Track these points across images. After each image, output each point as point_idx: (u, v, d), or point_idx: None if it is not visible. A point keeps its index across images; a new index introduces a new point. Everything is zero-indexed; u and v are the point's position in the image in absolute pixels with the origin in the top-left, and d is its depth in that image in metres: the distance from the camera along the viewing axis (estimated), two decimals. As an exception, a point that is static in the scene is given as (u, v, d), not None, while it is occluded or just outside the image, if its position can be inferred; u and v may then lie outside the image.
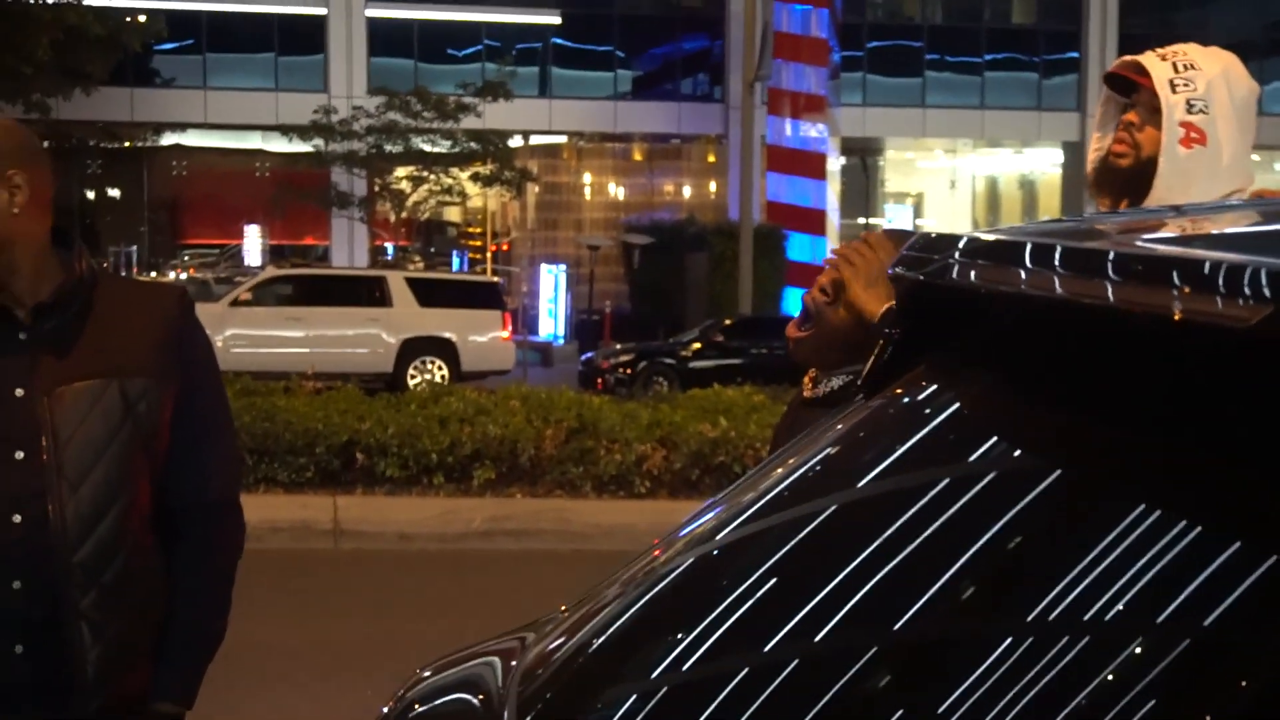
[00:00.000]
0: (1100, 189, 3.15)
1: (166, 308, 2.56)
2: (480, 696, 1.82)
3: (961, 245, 1.56)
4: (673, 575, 1.66)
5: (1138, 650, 1.07)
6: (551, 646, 1.75)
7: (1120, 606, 1.10)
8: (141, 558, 2.51)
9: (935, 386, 1.62)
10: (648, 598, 1.66)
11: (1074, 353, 1.38)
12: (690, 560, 1.68)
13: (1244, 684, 1.00)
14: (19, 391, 2.43)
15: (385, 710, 1.97)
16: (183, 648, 2.58)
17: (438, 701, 1.92)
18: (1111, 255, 1.25)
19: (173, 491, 2.57)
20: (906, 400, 1.65)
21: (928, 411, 1.60)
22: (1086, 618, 1.12)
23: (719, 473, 10.41)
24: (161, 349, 2.51)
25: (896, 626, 1.27)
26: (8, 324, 2.45)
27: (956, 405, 1.56)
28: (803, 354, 2.88)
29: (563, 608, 1.94)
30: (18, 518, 2.40)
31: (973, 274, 1.51)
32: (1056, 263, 1.34)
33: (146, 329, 2.51)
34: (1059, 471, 1.30)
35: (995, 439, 1.44)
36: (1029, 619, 1.17)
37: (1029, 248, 1.41)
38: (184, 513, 2.60)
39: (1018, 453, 1.41)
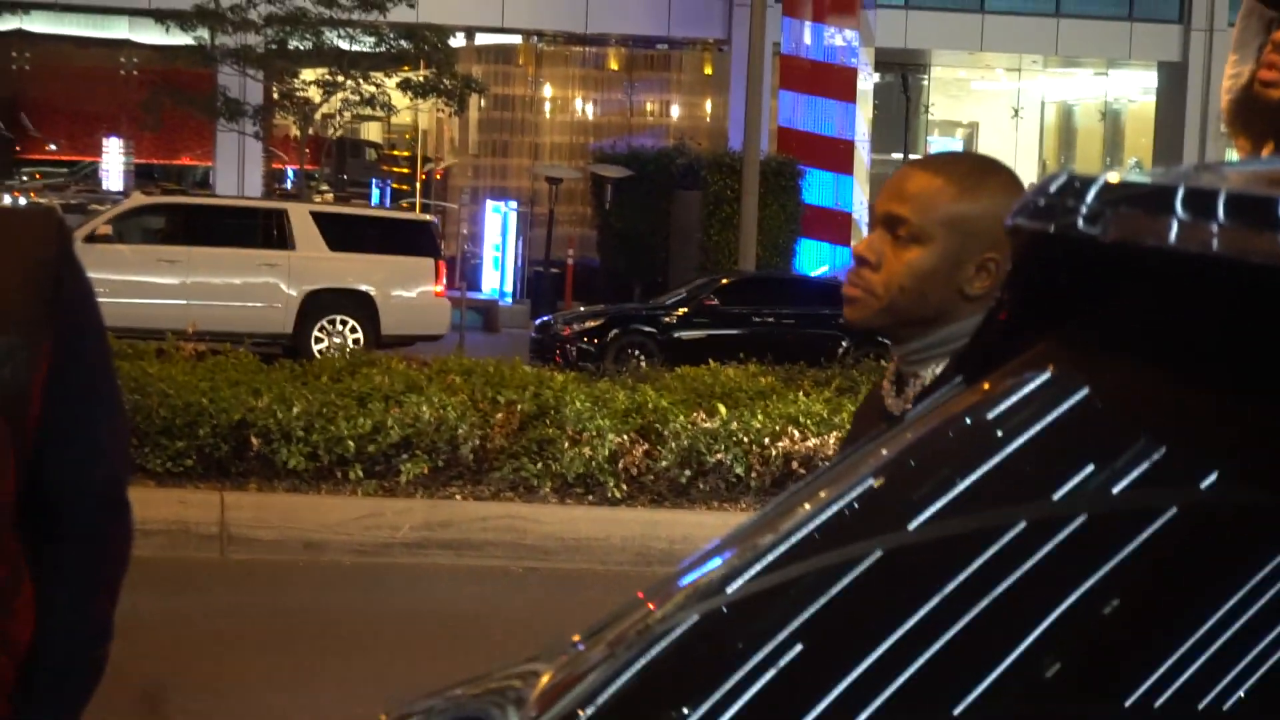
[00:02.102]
0: (1240, 126, 3.14)
1: (37, 239, 2.52)
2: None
3: (1098, 188, 1.56)
4: (670, 638, 1.64)
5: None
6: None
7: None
8: (2, 567, 2.49)
9: (1060, 370, 1.62)
10: (638, 667, 1.64)
11: (1256, 329, 1.38)
12: (694, 619, 1.66)
13: None
14: None
15: None
16: (54, 682, 2.56)
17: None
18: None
19: (45, 483, 2.54)
20: (1020, 388, 1.64)
21: (1049, 403, 1.59)
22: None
23: (715, 475, 10.42)
24: (32, 299, 2.47)
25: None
26: None
27: (1087, 394, 1.56)
28: (867, 318, 2.86)
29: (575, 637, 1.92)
30: None
31: (1119, 225, 1.50)
32: (1222, 212, 1.35)
33: (14, 271, 2.47)
34: (1232, 487, 1.29)
35: (1143, 441, 1.43)
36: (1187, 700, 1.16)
37: (1185, 193, 1.42)
38: (59, 510, 2.57)
39: (1174, 461, 1.41)
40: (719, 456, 10.46)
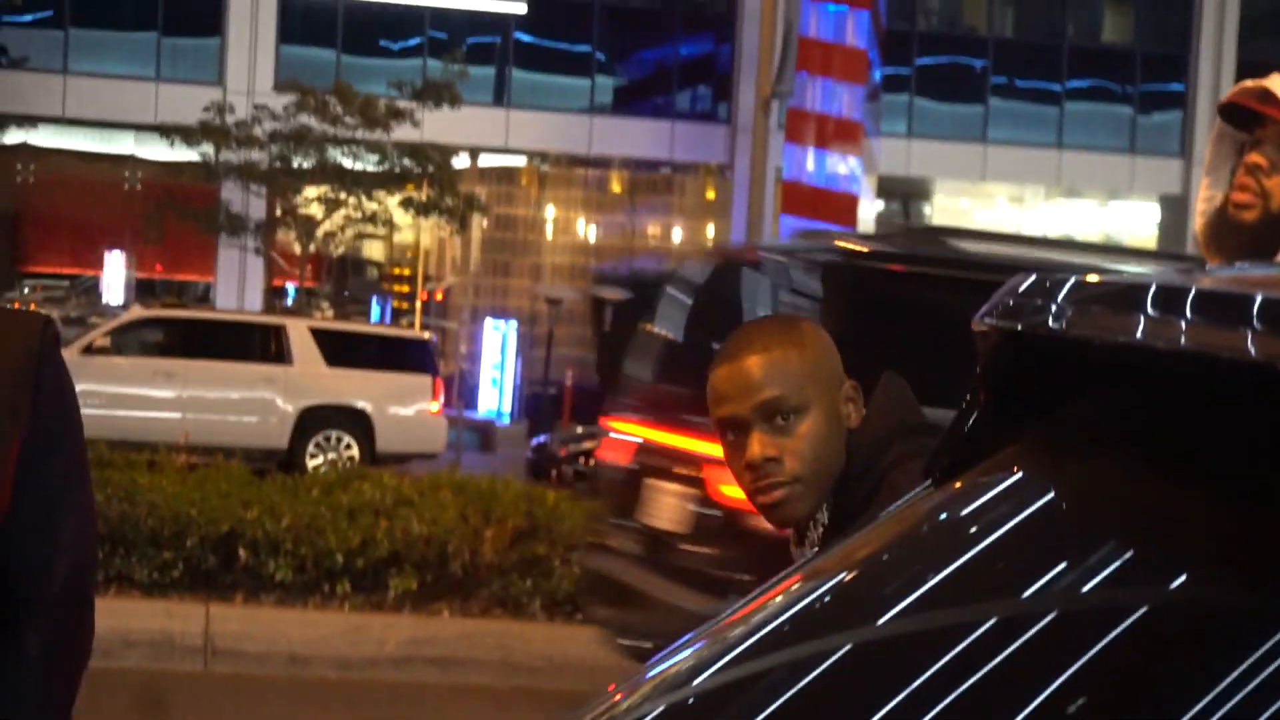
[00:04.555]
0: (1215, 248, 3.17)
1: (24, 337, 2.54)
2: None
3: (1069, 288, 1.57)
4: None
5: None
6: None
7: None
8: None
9: (1028, 472, 1.61)
10: None
11: (1225, 428, 1.38)
12: (659, 710, 1.65)
13: None
14: None
15: None
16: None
17: None
18: (1260, 301, 1.26)
19: (9, 575, 2.54)
20: (989, 489, 1.64)
21: (1018, 504, 1.59)
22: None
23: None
24: (11, 386, 2.49)
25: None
26: None
27: (1053, 496, 1.55)
28: (803, 510, 2.81)
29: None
30: None
31: (1088, 323, 1.51)
32: (1191, 309, 1.36)
33: None
34: (1202, 588, 1.28)
35: (1112, 542, 1.43)
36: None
37: (1155, 290, 1.43)
38: (20, 604, 2.56)
39: (1145, 565, 1.39)
40: (711, 577, 10.40)
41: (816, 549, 2.76)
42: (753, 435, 2.74)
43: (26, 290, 38.37)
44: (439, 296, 40.79)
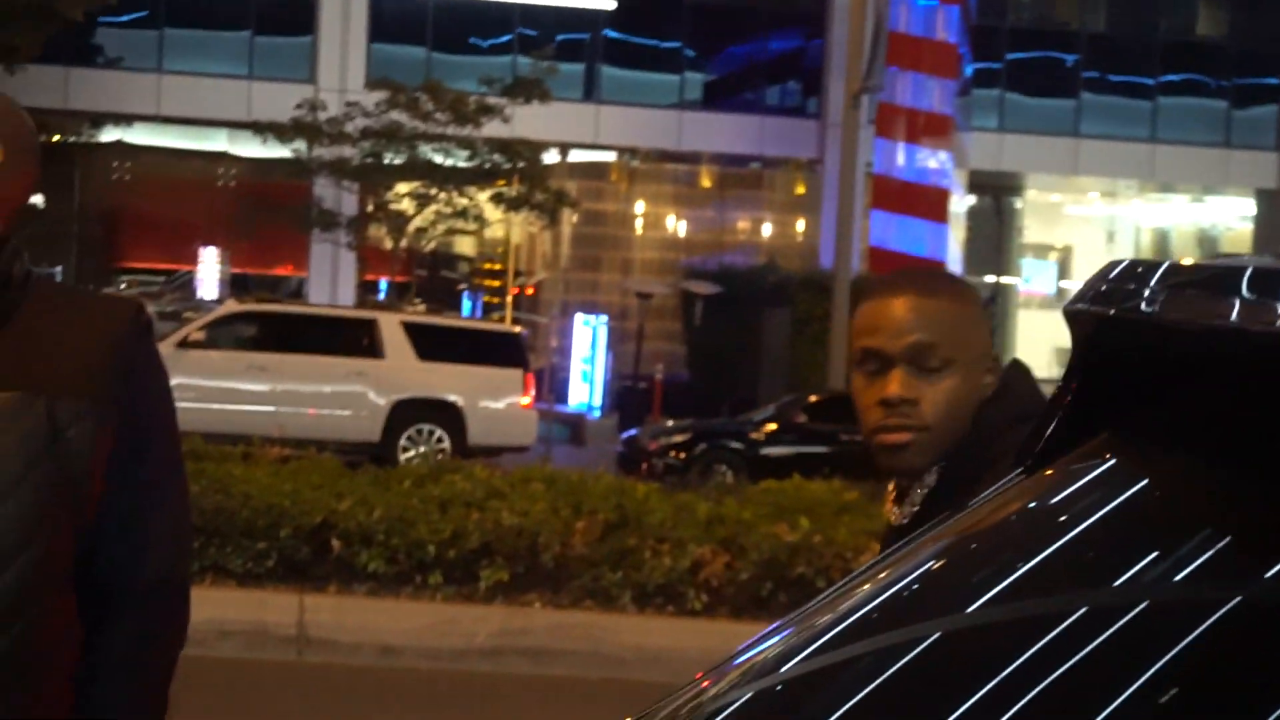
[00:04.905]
0: None
1: (116, 324, 2.57)
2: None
3: (1163, 271, 1.55)
4: (722, 717, 1.62)
5: None
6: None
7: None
8: (49, 629, 2.50)
9: (1120, 461, 1.59)
10: None
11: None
12: (747, 697, 1.64)
13: None
14: None
15: None
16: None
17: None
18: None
19: (101, 560, 2.56)
20: (1081, 477, 1.62)
21: (1110, 492, 1.57)
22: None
23: (797, 588, 10.33)
24: (104, 372, 2.52)
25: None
26: None
27: (1147, 484, 1.54)
28: (923, 460, 2.77)
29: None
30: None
31: (1182, 307, 1.49)
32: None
33: (88, 345, 2.53)
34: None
35: (1205, 534, 1.41)
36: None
37: (1252, 274, 1.41)
38: (112, 589, 2.59)
39: (1238, 556, 1.37)
40: (800, 570, 10.38)
41: (916, 509, 2.74)
42: (895, 373, 2.70)
43: (123, 286, 38.68)
44: (529, 291, 40.89)
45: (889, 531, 2.82)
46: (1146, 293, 1.52)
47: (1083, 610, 1.36)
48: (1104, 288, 1.61)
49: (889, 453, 2.75)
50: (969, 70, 32.51)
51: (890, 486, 2.87)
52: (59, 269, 37.34)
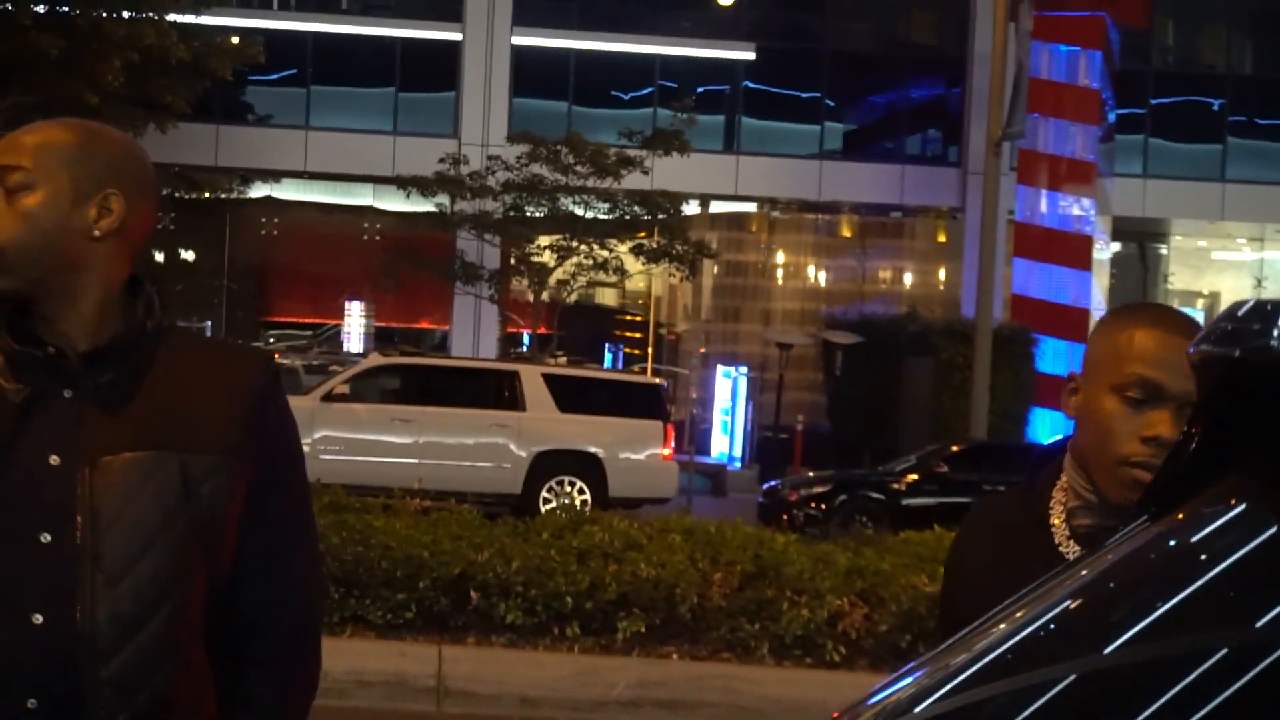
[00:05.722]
0: None
1: (248, 375, 2.60)
2: None
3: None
4: None
5: None
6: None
7: None
8: (188, 681, 2.52)
9: (1249, 503, 1.55)
10: None
11: None
12: None
13: None
14: (54, 459, 2.45)
15: None
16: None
17: None
18: None
19: (238, 609, 2.59)
20: (1214, 520, 1.59)
21: (1235, 539, 1.53)
22: None
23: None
24: (237, 424, 2.54)
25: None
26: (52, 374, 2.49)
27: (1276, 530, 1.50)
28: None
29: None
30: (38, 618, 2.41)
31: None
32: None
33: (220, 398, 2.55)
34: None
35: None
36: None
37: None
38: (249, 637, 2.61)
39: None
40: (941, 622, 10.27)
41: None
42: (1168, 413, 2.61)
43: (271, 340, 39.23)
44: (670, 338, 40.98)
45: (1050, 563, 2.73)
46: (1275, 332, 1.50)
47: (1223, 652, 1.34)
48: (1230, 328, 1.59)
49: (1137, 490, 2.57)
50: (1112, 116, 32.27)
51: (1058, 519, 2.78)
52: (209, 323, 38.00)
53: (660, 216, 30.53)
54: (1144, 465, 2.62)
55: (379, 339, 38.30)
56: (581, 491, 21.51)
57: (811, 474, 24.99)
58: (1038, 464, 2.89)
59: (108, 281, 2.54)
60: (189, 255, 40.23)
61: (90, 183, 2.50)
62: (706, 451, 32.49)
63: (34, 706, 2.40)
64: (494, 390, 21.91)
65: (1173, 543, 1.60)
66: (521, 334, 36.95)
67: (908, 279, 39.39)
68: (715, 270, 38.58)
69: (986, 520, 2.99)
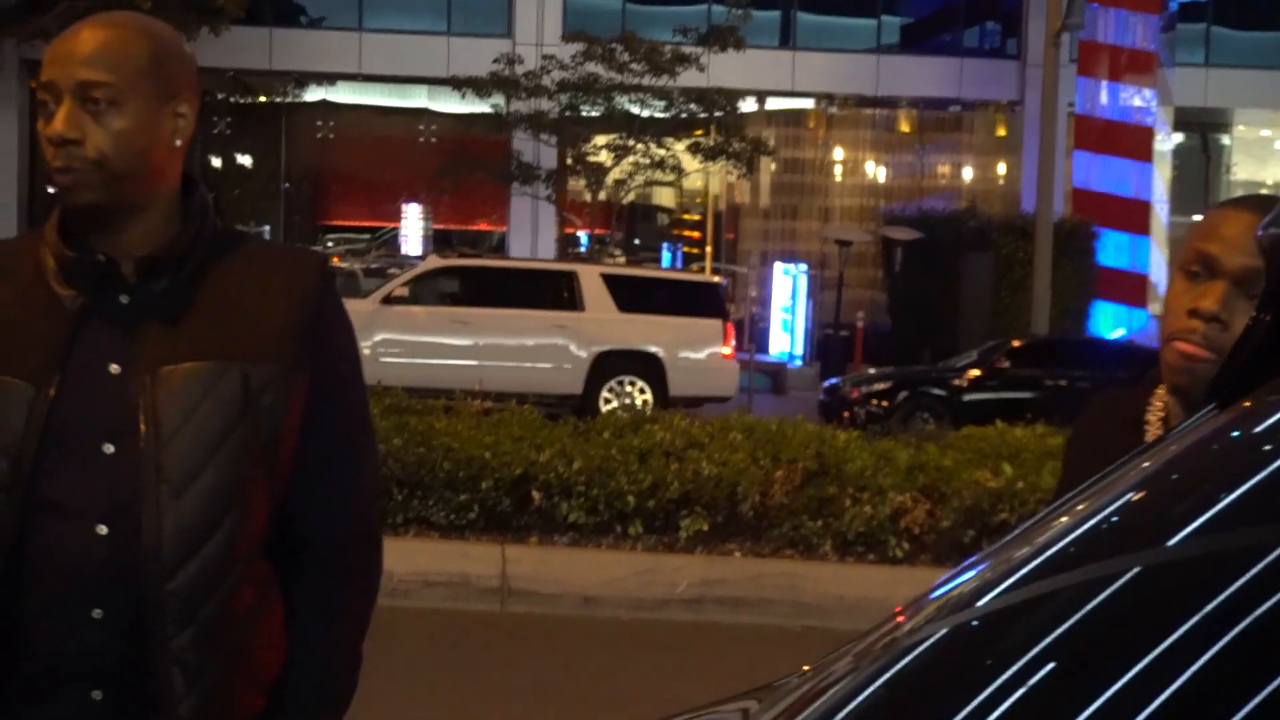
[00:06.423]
0: None
1: (304, 279, 2.57)
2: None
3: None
4: (918, 651, 1.59)
5: None
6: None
7: None
8: (252, 591, 2.52)
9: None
10: (884, 679, 1.59)
11: None
12: (943, 632, 1.61)
13: None
14: (114, 368, 2.44)
15: None
16: (299, 710, 2.58)
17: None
18: None
19: (297, 516, 2.58)
20: (1271, 413, 1.56)
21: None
22: None
23: (999, 535, 10.21)
24: (294, 331, 2.53)
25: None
26: (107, 283, 2.48)
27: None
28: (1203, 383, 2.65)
29: (805, 667, 1.89)
30: (103, 529, 2.40)
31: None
32: None
33: (277, 304, 2.53)
34: None
35: None
36: None
37: None
38: (309, 544, 2.61)
39: None
40: (1003, 516, 10.26)
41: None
42: (1219, 287, 2.57)
43: (330, 244, 39.30)
44: (729, 237, 40.84)
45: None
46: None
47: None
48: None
49: (1180, 361, 2.61)
50: (1173, 4, 31.82)
51: (1155, 416, 2.75)
52: (266, 228, 38.07)
53: (717, 114, 30.33)
54: (1185, 338, 2.58)
55: (437, 241, 38.33)
56: (642, 391, 21.53)
57: (872, 371, 24.96)
58: (1148, 362, 2.86)
59: (172, 187, 2.53)
60: (245, 160, 40.28)
61: (166, 91, 2.48)
62: (766, 350, 32.46)
63: (99, 617, 2.41)
64: (553, 291, 21.89)
65: (1236, 433, 1.57)
66: (578, 234, 36.92)
67: (967, 174, 39.08)
68: (773, 168, 38.37)
69: (1090, 418, 2.96)
